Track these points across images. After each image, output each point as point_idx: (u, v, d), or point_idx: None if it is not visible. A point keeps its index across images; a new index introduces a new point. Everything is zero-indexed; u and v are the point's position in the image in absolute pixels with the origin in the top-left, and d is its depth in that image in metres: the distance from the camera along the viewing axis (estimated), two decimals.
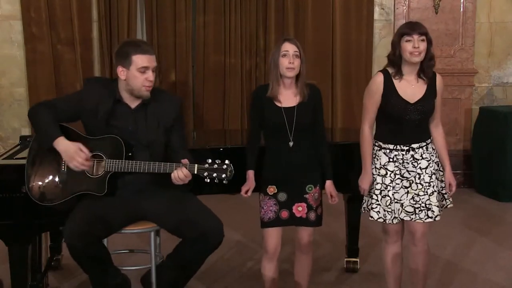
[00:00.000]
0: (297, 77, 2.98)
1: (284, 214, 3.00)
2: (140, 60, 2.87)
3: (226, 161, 2.79)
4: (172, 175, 2.80)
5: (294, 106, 2.97)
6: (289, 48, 2.93)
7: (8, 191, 2.95)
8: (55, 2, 5.45)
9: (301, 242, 3.09)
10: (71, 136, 2.92)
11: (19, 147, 3.53)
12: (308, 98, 3.00)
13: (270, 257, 3.06)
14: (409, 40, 2.84)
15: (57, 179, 2.88)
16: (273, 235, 3.02)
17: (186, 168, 2.78)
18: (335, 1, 5.77)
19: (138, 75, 2.88)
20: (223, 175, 2.77)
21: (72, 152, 2.79)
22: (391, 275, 3.15)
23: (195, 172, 2.79)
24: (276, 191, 2.99)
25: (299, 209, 3.00)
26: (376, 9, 5.93)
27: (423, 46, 2.85)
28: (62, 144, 2.81)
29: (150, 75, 2.89)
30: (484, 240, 4.48)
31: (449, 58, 5.97)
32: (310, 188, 3.01)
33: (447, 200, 3.03)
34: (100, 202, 2.85)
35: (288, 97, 2.99)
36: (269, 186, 3.00)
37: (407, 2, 5.91)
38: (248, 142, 3.10)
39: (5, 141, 5.60)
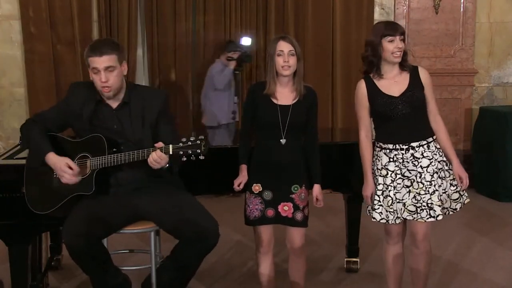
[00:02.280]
0: (294, 74, 3.00)
1: (270, 212, 3.00)
2: (90, 62, 2.89)
3: (200, 136, 2.73)
4: (148, 160, 2.78)
5: (290, 105, 2.99)
6: (284, 47, 2.94)
7: (8, 191, 2.96)
8: (55, 2, 5.44)
9: (294, 245, 3.08)
10: (58, 143, 2.95)
11: (19, 147, 3.53)
12: (304, 99, 3.01)
13: (264, 251, 3.07)
14: (391, 41, 2.88)
15: (49, 186, 2.89)
16: (263, 230, 3.03)
17: (162, 151, 2.75)
18: (335, 1, 5.77)
19: (93, 76, 2.89)
20: (198, 151, 2.70)
21: (58, 169, 2.83)
22: (391, 276, 3.14)
23: (171, 153, 2.74)
24: (261, 189, 3.00)
25: (285, 209, 3.00)
26: (376, 9, 5.93)
27: (402, 45, 2.91)
28: (52, 160, 2.86)
29: (101, 76, 2.85)
30: (484, 240, 4.48)
31: (449, 58, 5.97)
32: (296, 188, 3.00)
33: (463, 196, 3.00)
34: (98, 202, 2.85)
35: (284, 95, 3.00)
36: (254, 184, 3.01)
37: (407, 2, 5.91)
38: (241, 137, 3.11)
39: (5, 141, 5.60)
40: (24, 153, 3.31)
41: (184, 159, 2.73)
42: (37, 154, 2.92)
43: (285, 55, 2.93)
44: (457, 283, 3.71)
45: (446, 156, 2.99)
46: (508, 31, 6.05)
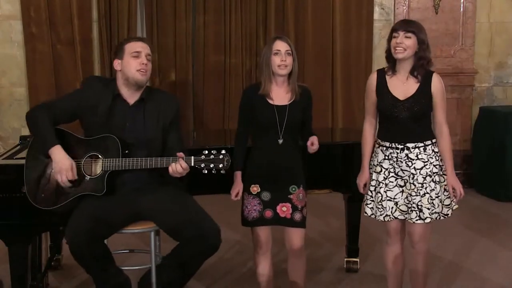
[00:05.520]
0: (289, 75, 3.00)
1: (268, 213, 2.99)
2: (131, 46, 2.95)
3: (223, 151, 2.78)
4: (170, 168, 2.80)
5: (286, 105, 2.99)
6: (280, 46, 2.95)
7: (8, 191, 2.95)
8: (55, 2, 5.44)
9: (293, 247, 3.07)
10: (67, 140, 2.92)
11: (19, 147, 3.53)
12: (300, 98, 3.02)
13: (262, 252, 3.06)
14: (395, 36, 2.88)
15: (55, 182, 2.86)
16: (261, 230, 3.03)
17: (184, 161, 2.78)
18: (335, 1, 5.77)
19: (131, 60, 2.92)
20: (220, 165, 2.76)
21: (62, 168, 2.80)
22: (391, 276, 3.14)
23: (192, 164, 2.78)
24: (259, 190, 3.00)
25: (283, 209, 2.99)
26: (376, 9, 5.93)
27: (408, 42, 2.85)
28: (57, 155, 2.82)
29: (143, 59, 2.93)
30: (484, 241, 4.48)
31: (449, 58, 5.97)
32: (293, 189, 3.00)
33: (453, 202, 2.98)
34: (102, 201, 2.85)
35: (280, 95, 3.01)
36: (253, 185, 3.01)
37: (407, 2, 5.91)
38: (236, 142, 3.09)
39: (5, 141, 5.59)
40: (24, 153, 3.31)
41: (205, 171, 2.77)
42: (42, 144, 2.86)
43: (282, 54, 2.94)
44: (458, 283, 3.71)
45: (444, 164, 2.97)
46: (508, 31, 6.05)
